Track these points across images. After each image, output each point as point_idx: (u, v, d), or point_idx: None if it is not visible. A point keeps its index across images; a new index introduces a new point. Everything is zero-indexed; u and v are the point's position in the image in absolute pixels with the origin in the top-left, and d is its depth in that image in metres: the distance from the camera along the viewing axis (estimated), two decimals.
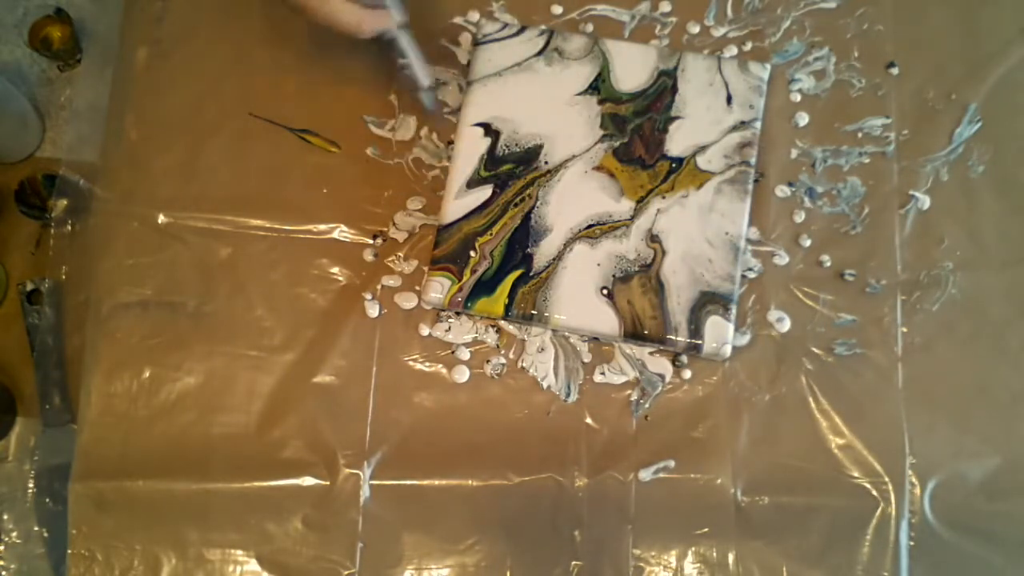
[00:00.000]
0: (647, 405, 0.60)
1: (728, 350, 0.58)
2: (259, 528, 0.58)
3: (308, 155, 0.64)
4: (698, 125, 0.62)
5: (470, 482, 0.58)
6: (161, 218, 0.63)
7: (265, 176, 0.64)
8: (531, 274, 0.59)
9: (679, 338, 0.58)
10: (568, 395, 0.60)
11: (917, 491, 0.58)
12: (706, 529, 0.58)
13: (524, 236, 0.60)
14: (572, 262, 0.60)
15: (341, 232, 0.63)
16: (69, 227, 0.63)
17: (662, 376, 0.60)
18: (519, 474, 0.59)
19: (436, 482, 0.59)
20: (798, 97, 0.65)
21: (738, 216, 0.60)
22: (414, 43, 0.60)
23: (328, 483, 0.59)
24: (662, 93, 0.63)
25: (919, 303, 0.61)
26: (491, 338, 0.61)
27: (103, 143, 0.64)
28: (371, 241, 0.63)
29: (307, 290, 0.62)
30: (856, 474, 0.58)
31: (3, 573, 0.59)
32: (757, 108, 0.63)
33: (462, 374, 0.60)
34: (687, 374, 0.60)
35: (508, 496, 0.58)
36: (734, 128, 0.62)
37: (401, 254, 0.63)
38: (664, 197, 0.61)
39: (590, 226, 0.60)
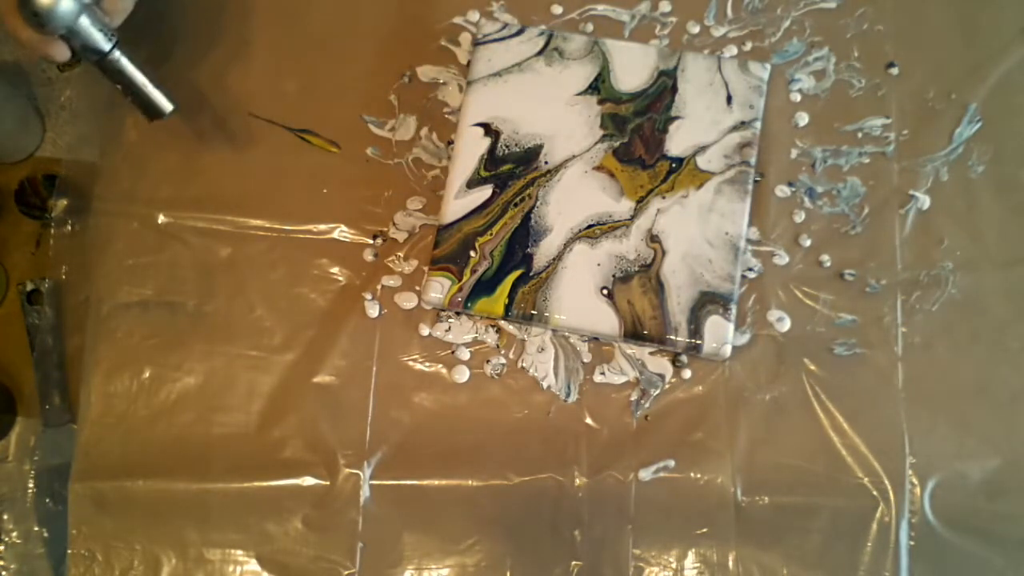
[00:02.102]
0: (647, 405, 0.60)
1: (728, 350, 0.58)
2: (259, 528, 0.58)
3: (308, 155, 0.64)
4: (698, 125, 0.62)
5: (470, 482, 0.58)
6: (161, 218, 0.63)
7: (265, 176, 0.64)
8: (531, 274, 0.59)
9: (679, 338, 0.58)
10: (568, 395, 0.60)
11: (917, 491, 0.58)
12: (706, 529, 0.58)
13: (524, 236, 0.60)
14: (572, 262, 0.60)
15: (341, 232, 0.63)
16: (69, 227, 0.63)
17: (662, 376, 0.60)
18: (519, 474, 0.59)
19: (436, 482, 0.59)
20: (798, 97, 0.65)
21: (738, 216, 0.60)
22: (136, 68, 0.55)
23: (328, 483, 0.59)
24: (662, 93, 0.63)
25: (919, 303, 0.61)
26: (491, 338, 0.61)
27: (103, 143, 0.64)
28: (371, 241, 0.63)
29: (307, 290, 0.62)
30: (856, 474, 0.58)
31: (3, 573, 0.59)
32: (757, 108, 0.63)
33: (462, 374, 0.60)
34: (687, 374, 0.60)
35: (508, 496, 0.58)
36: (734, 128, 0.62)
37: (401, 254, 0.63)
38: (664, 197, 0.61)
39: (590, 226, 0.60)
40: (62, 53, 0.52)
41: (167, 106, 0.57)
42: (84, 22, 0.51)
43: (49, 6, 0.49)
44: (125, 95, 0.56)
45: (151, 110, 0.57)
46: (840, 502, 0.58)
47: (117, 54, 0.54)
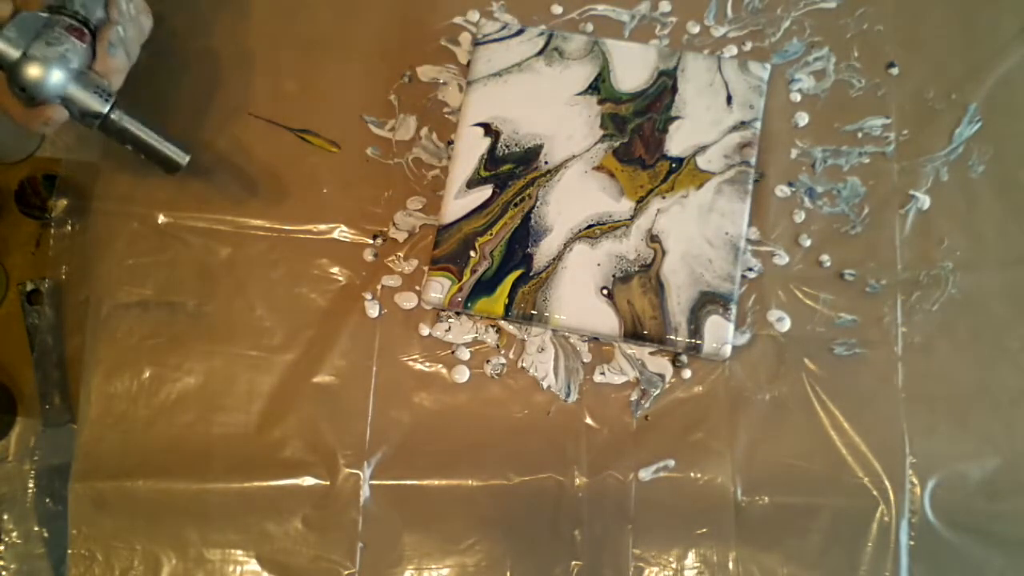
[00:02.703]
0: (647, 405, 0.60)
1: (728, 350, 0.58)
2: (259, 528, 0.58)
3: (308, 155, 0.64)
4: (698, 125, 0.62)
5: (470, 482, 0.58)
6: (161, 218, 0.63)
7: (265, 176, 0.64)
8: (531, 274, 0.59)
9: (679, 338, 0.58)
10: (568, 395, 0.60)
11: (917, 491, 0.58)
12: (706, 529, 0.58)
13: (524, 236, 0.60)
14: (572, 262, 0.60)
15: (341, 232, 0.63)
16: (69, 227, 0.63)
17: (662, 376, 0.60)
18: (519, 474, 0.59)
19: (436, 482, 0.59)
20: (798, 97, 0.65)
21: (738, 216, 0.60)
22: (141, 125, 0.54)
23: (328, 483, 0.59)
24: (662, 93, 0.63)
25: (919, 303, 0.61)
26: (491, 338, 0.61)
27: (103, 143, 0.64)
28: (371, 241, 0.63)
29: (307, 290, 0.62)
30: (856, 474, 0.58)
31: (3, 573, 0.59)
32: (757, 108, 0.63)
33: (462, 374, 0.60)
34: (687, 374, 0.60)
35: (508, 496, 0.58)
36: (734, 128, 0.62)
37: (401, 254, 0.63)
38: (664, 197, 0.61)
39: (590, 226, 0.60)
40: (60, 115, 0.51)
41: (182, 158, 0.56)
42: (74, 88, 0.50)
43: (37, 79, 0.48)
44: (136, 153, 0.55)
45: (166, 164, 0.56)
46: (840, 502, 0.58)
47: (118, 114, 0.53)
